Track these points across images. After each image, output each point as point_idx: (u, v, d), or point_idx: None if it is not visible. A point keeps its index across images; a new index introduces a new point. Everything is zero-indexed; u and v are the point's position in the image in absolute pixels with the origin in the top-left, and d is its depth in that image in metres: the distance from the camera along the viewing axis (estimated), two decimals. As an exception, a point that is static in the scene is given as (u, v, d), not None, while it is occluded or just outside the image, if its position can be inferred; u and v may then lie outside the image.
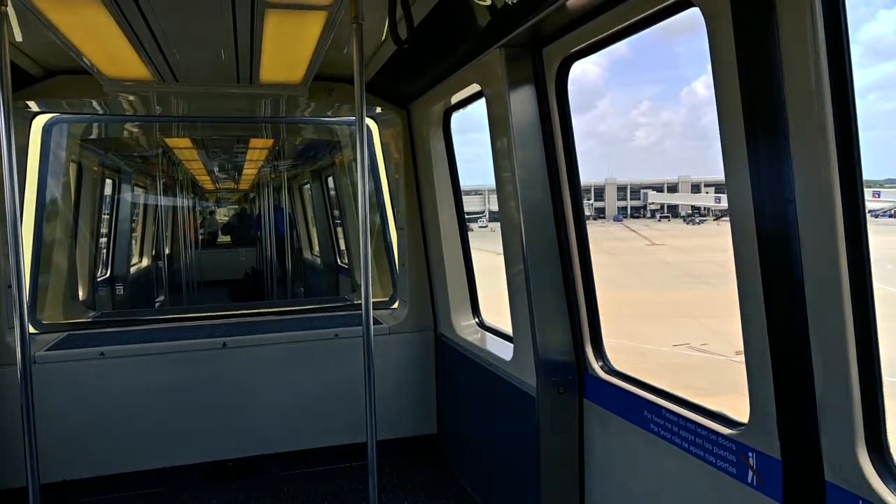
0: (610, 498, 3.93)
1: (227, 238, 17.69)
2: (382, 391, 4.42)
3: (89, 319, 7.10)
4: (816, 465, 2.42)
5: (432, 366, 6.32)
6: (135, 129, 8.42)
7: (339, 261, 11.36)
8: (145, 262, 13.34)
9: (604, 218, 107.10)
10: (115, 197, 11.11)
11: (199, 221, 15.90)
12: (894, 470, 2.25)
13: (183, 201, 14.50)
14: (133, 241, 12.76)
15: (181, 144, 10.25)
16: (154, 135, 9.15)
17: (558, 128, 3.97)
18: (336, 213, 11.27)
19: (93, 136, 8.56)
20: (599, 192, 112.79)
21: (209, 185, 16.39)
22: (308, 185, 13.11)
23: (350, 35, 3.27)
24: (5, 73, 2.95)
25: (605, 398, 3.88)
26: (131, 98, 5.52)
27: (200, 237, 15.73)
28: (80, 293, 7.98)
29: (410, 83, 5.36)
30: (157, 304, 12.44)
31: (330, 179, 11.29)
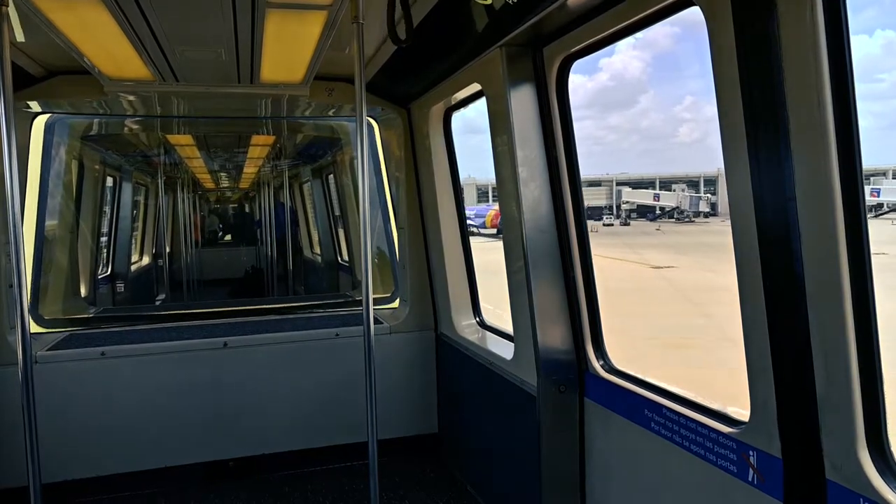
0: (611, 496, 3.93)
1: (228, 236, 17.73)
2: (383, 390, 4.43)
3: (90, 315, 7.11)
4: (817, 463, 2.42)
5: (433, 365, 6.32)
6: (136, 129, 8.43)
7: (339, 259, 11.38)
8: (146, 260, 13.35)
9: (716, 215, 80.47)
10: (116, 196, 11.12)
11: (200, 220, 15.91)
12: (895, 468, 2.26)
13: (184, 200, 14.51)
14: (134, 240, 12.77)
15: (182, 143, 10.25)
16: (155, 134, 9.16)
17: (559, 127, 3.97)
18: (336, 212, 11.29)
19: (94, 136, 8.57)
20: (710, 184, 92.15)
21: (210, 184, 16.40)
22: (309, 184, 13.12)
23: (350, 34, 3.27)
24: (6, 73, 2.95)
25: (606, 397, 3.89)
26: (132, 98, 5.53)
27: (201, 236, 15.75)
28: (82, 290, 8.00)
29: (411, 82, 5.36)
30: (157, 302, 12.45)
31: (331, 178, 11.30)
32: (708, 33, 2.58)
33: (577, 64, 3.91)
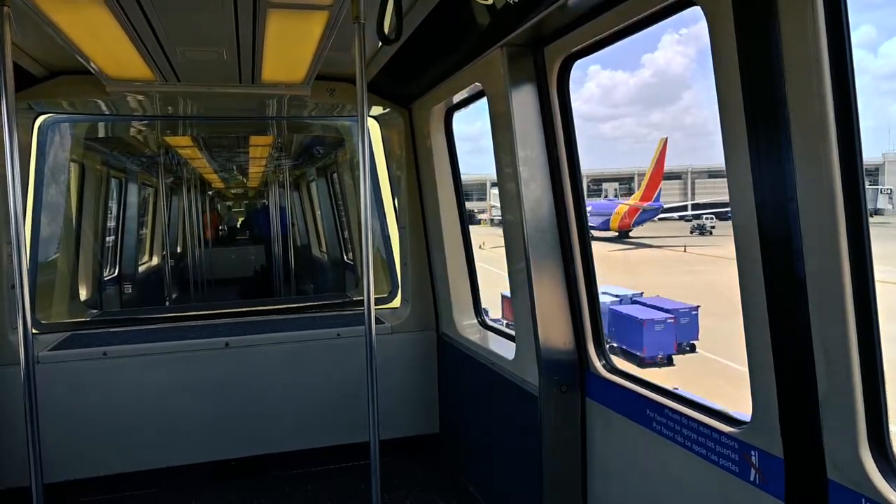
0: (612, 496, 3.92)
1: (237, 236, 17.77)
2: (385, 391, 4.42)
3: (88, 319, 7.11)
4: (819, 463, 2.42)
5: (435, 365, 6.32)
6: (138, 129, 8.44)
7: (345, 257, 11.40)
8: (155, 260, 13.36)
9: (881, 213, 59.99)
10: (122, 196, 11.13)
11: (207, 220, 15.95)
12: None
13: (192, 200, 14.53)
14: (142, 240, 12.78)
15: (184, 143, 10.27)
16: (158, 134, 9.16)
17: (560, 126, 3.97)
18: (341, 210, 11.31)
19: (96, 136, 8.58)
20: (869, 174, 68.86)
21: (218, 184, 16.45)
22: (314, 183, 13.14)
23: (352, 34, 3.27)
24: (8, 74, 2.96)
25: (608, 397, 3.88)
26: (133, 98, 5.53)
27: (209, 235, 15.79)
28: (83, 293, 8.00)
29: (412, 82, 5.36)
30: (167, 303, 12.44)
31: (335, 177, 11.32)
32: (708, 32, 2.57)
33: (619, 61, 3.86)
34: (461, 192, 5.78)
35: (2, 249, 5.10)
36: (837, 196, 2.19)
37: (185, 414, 5.68)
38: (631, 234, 48.98)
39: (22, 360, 3.13)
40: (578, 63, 3.90)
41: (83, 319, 6.94)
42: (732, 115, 2.50)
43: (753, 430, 2.75)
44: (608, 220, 49.02)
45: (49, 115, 5.71)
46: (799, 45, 2.20)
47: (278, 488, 5.71)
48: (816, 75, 2.16)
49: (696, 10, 2.69)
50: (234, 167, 13.97)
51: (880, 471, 2.25)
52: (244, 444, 5.86)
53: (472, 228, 6.15)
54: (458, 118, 5.67)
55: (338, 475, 5.91)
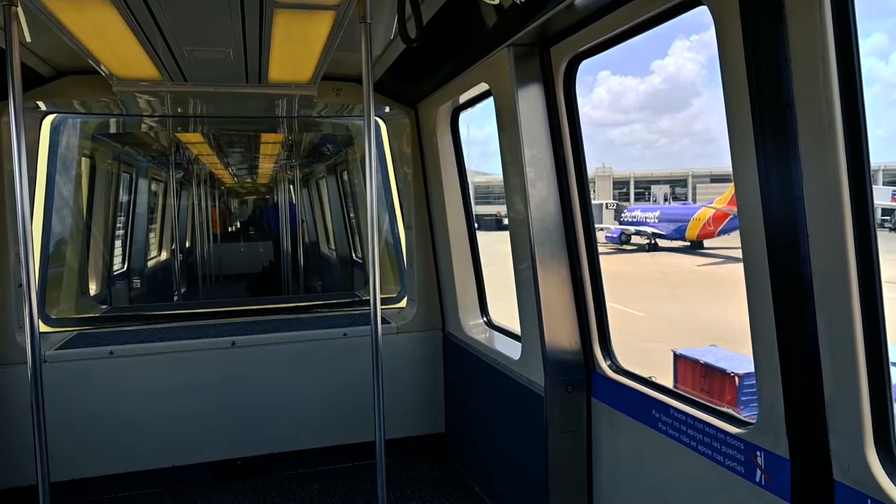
0: (618, 496, 3.92)
1: (245, 232, 17.84)
2: (391, 390, 4.43)
3: (98, 315, 7.15)
4: (825, 464, 2.42)
5: (440, 365, 6.32)
6: (146, 128, 8.47)
7: (353, 256, 11.43)
8: (164, 255, 13.41)
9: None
10: (132, 192, 11.17)
11: (216, 215, 16.01)
12: None
13: (200, 196, 14.58)
14: (152, 235, 12.82)
15: (194, 140, 10.31)
16: (166, 133, 9.20)
17: (566, 126, 3.97)
18: (350, 209, 11.34)
19: (105, 135, 8.61)
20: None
21: (226, 180, 16.51)
22: (324, 181, 13.17)
23: (358, 34, 3.28)
24: (15, 74, 2.97)
25: (613, 397, 3.88)
26: (140, 98, 5.55)
27: (218, 231, 15.86)
28: (93, 288, 8.04)
29: (418, 82, 5.36)
30: (176, 298, 12.48)
31: (345, 175, 11.34)
32: (716, 33, 2.57)
33: (629, 67, 3.83)
34: (468, 192, 5.78)
35: (10, 248, 5.13)
36: (844, 197, 2.18)
37: (192, 413, 5.70)
38: (704, 244, 42.00)
39: (29, 360, 3.14)
40: (588, 68, 3.89)
41: (92, 315, 6.97)
42: (739, 115, 2.50)
43: (759, 431, 2.74)
44: (683, 228, 42.92)
45: (57, 114, 5.74)
46: (806, 45, 2.20)
47: (284, 488, 5.72)
48: (824, 76, 2.15)
49: (703, 12, 2.68)
50: (244, 163, 14.00)
51: (886, 472, 2.24)
52: (250, 443, 5.88)
53: (501, 235, 6.08)
54: (468, 120, 5.67)
55: (344, 475, 5.92)
